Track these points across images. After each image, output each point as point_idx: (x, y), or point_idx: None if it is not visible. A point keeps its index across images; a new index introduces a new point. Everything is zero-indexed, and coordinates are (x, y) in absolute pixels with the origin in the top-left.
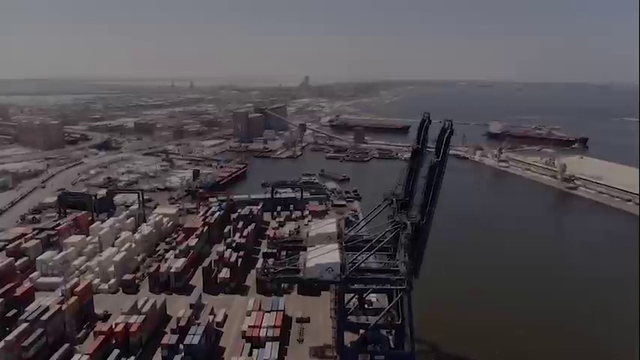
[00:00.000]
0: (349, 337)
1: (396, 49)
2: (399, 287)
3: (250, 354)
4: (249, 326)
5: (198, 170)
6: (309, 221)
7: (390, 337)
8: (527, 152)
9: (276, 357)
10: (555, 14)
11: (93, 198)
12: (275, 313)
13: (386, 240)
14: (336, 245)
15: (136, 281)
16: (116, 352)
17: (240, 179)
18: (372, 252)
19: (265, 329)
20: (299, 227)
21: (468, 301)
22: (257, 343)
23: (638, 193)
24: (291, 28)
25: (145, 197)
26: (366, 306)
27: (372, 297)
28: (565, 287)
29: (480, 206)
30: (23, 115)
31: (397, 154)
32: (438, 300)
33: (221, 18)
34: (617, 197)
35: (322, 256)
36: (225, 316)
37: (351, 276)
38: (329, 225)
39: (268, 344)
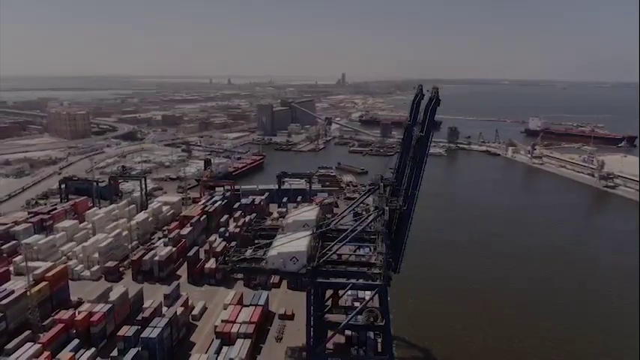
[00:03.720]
0: (335, 338)
1: (439, 48)
2: (373, 282)
3: (219, 351)
4: (223, 321)
5: (210, 160)
6: None
7: (379, 340)
8: (565, 149)
9: (243, 357)
10: (603, 14)
11: (95, 184)
12: (253, 308)
13: (362, 228)
14: (307, 233)
15: (121, 269)
16: (76, 342)
17: (257, 170)
18: (345, 242)
19: (239, 325)
20: None
21: (476, 303)
22: (227, 339)
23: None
24: (332, 26)
25: (155, 186)
26: (355, 304)
27: (367, 294)
28: (587, 289)
29: (505, 203)
30: (59, 108)
31: None
32: (442, 300)
33: (260, 17)
34: None
35: (288, 245)
36: (205, 309)
37: (320, 268)
38: (308, 212)
39: (239, 341)
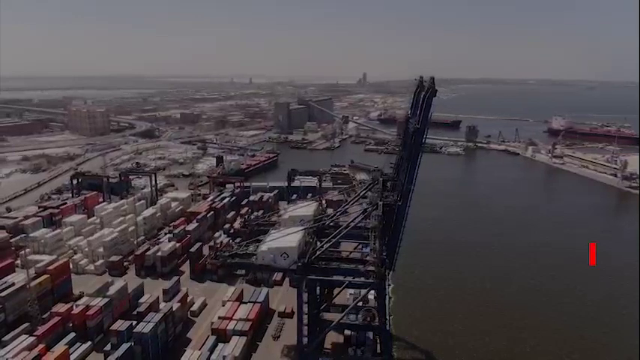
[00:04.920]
0: (334, 338)
1: (461, 48)
2: (366, 280)
3: (214, 348)
4: (219, 318)
5: (222, 157)
6: None
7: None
8: (588, 149)
9: (237, 354)
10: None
11: (106, 180)
12: (252, 305)
13: (354, 224)
14: (299, 228)
15: (125, 264)
16: (72, 335)
17: (271, 168)
18: (337, 238)
19: (235, 322)
20: None
21: (476, 303)
22: (223, 336)
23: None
24: (354, 25)
25: (168, 182)
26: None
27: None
28: (587, 289)
29: (516, 203)
30: (79, 105)
31: (441, 148)
32: (442, 300)
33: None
34: None
35: (280, 240)
36: (205, 305)
37: (312, 264)
38: (305, 207)
39: (235, 338)
